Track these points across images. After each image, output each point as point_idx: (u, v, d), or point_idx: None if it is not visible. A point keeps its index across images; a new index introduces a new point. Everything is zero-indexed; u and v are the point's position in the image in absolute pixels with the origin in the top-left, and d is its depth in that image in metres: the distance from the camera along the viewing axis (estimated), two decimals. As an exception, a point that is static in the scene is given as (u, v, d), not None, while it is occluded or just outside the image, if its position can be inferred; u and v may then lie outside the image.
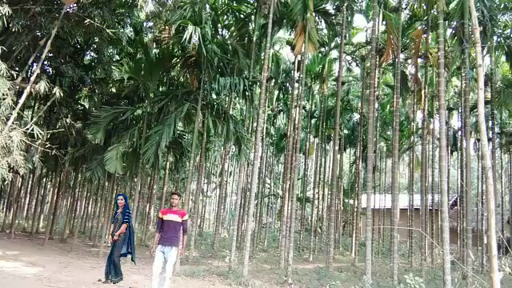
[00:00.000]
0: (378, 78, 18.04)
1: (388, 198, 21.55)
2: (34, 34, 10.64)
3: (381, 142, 23.00)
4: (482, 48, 12.53)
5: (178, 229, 6.33)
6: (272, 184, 29.04)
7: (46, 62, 12.93)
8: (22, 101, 9.26)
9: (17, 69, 10.58)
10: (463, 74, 12.97)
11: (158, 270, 6.16)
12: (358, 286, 9.14)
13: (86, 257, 12.11)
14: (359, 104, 19.74)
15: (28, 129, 8.73)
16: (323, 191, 22.75)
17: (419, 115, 18.54)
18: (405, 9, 14.39)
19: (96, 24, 9.85)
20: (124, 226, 7.67)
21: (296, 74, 17.17)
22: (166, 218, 6.31)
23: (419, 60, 14.78)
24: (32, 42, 10.53)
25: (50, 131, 10.78)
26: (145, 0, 9.27)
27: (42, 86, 8.88)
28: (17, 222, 18.97)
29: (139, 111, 13.93)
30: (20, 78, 9.56)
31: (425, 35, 13.79)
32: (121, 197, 7.89)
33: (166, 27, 12.81)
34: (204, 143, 15.98)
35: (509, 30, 14.66)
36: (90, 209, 24.50)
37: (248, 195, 16.61)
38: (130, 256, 7.99)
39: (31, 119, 11.01)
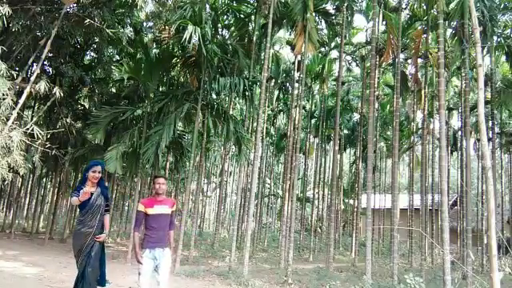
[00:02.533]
0: (378, 78, 18.04)
1: (388, 198, 21.55)
2: (34, 34, 10.64)
3: (381, 141, 23.00)
4: (482, 48, 12.53)
5: (168, 223, 4.81)
6: (272, 184, 29.03)
7: (46, 62, 12.93)
8: (21, 101, 9.27)
9: (17, 69, 10.58)
10: (463, 74, 12.97)
11: (148, 284, 4.49)
12: (357, 286, 9.14)
13: (85, 257, 12.09)
14: (359, 104, 19.74)
15: (28, 129, 8.74)
16: (323, 191, 22.74)
17: (419, 115, 18.55)
18: (405, 9, 14.39)
19: (96, 24, 9.86)
20: (107, 217, 4.89)
21: (296, 74, 17.17)
22: (152, 211, 4.63)
23: (419, 60, 14.77)
24: (32, 42, 10.53)
25: (50, 131, 10.80)
26: (145, 0, 9.27)
27: (42, 86, 8.88)
28: (17, 222, 18.98)
29: (139, 111, 13.94)
30: (20, 78, 9.57)
31: (425, 35, 13.79)
32: (99, 167, 4.79)
33: (166, 27, 12.81)
34: (204, 143, 15.97)
35: (509, 30, 14.66)
36: (89, 209, 24.47)
37: (248, 195, 16.60)
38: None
39: (31, 119, 11.02)
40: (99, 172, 4.73)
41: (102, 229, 4.75)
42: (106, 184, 5.18)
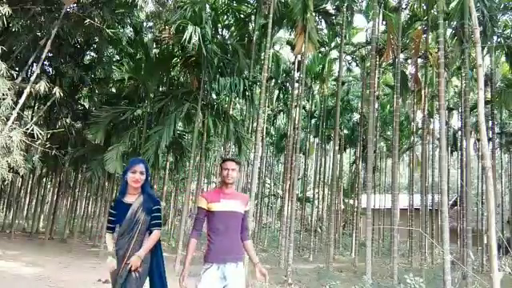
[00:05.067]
0: (378, 78, 18.05)
1: (388, 198, 21.54)
2: (34, 33, 10.64)
3: (381, 142, 23.00)
4: (482, 48, 12.54)
5: (240, 226, 3.39)
6: (272, 184, 29.02)
7: (46, 62, 12.93)
8: (21, 101, 9.26)
9: (17, 69, 10.58)
10: (463, 74, 12.98)
11: None
12: (357, 286, 9.13)
13: (86, 257, 12.11)
14: (359, 104, 19.75)
15: (28, 129, 8.73)
16: (323, 191, 22.73)
17: (419, 115, 18.55)
18: (405, 9, 14.40)
19: (96, 24, 9.85)
20: (156, 234, 3.32)
21: (296, 74, 17.16)
22: (217, 207, 3.27)
23: (419, 60, 14.78)
24: (32, 42, 10.54)
25: (50, 131, 10.79)
26: (145, 0, 9.26)
27: (42, 86, 8.87)
28: (17, 222, 18.97)
29: (139, 111, 13.93)
30: (20, 78, 9.58)
31: (425, 35, 13.80)
32: (140, 165, 3.30)
33: (166, 27, 12.81)
34: (204, 143, 15.98)
35: (509, 30, 14.67)
36: (90, 209, 24.50)
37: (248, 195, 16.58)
38: None
39: (31, 119, 11.02)
40: (141, 172, 3.26)
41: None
42: (154, 190, 3.74)
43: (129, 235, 3.21)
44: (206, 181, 28.60)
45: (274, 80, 18.82)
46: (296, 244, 19.39)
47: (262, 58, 12.67)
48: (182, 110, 11.45)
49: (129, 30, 14.35)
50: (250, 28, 13.62)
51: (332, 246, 13.39)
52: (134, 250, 3.19)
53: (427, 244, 16.76)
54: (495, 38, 13.45)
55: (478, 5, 11.27)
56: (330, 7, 14.75)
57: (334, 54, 18.34)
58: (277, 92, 20.84)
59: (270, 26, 11.29)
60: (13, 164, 8.42)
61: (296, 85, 17.15)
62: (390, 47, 13.04)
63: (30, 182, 23.30)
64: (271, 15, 11.31)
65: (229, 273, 3.21)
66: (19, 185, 21.07)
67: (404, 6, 14.10)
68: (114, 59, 15.71)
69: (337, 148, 14.85)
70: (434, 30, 13.11)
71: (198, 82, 12.46)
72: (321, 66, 18.25)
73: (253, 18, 13.39)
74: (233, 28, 14.26)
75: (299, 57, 15.35)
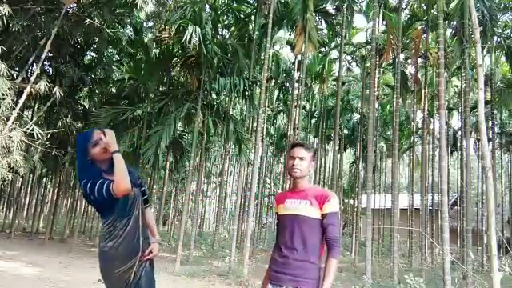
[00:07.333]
0: (378, 78, 18.04)
1: (388, 198, 21.54)
2: (34, 34, 10.65)
3: (381, 142, 22.99)
4: (482, 48, 12.54)
5: (316, 238, 2.38)
6: (272, 184, 29.02)
7: (46, 62, 12.93)
8: (22, 101, 9.27)
9: (17, 69, 10.59)
10: (463, 74, 12.99)
11: None
12: (358, 286, 9.13)
13: (86, 257, 12.11)
14: (359, 104, 19.76)
15: (28, 129, 8.74)
16: (323, 191, 22.70)
17: (419, 115, 18.55)
18: (405, 9, 14.40)
19: (96, 24, 9.86)
20: (151, 213, 2.94)
21: (296, 74, 17.17)
22: (280, 210, 2.53)
23: (419, 60, 14.78)
24: (32, 42, 10.54)
25: (50, 131, 10.80)
26: (145, 0, 9.27)
27: (42, 86, 8.89)
28: (17, 222, 18.98)
29: (139, 111, 13.94)
30: (20, 78, 9.58)
31: (425, 35, 13.80)
32: (97, 131, 2.65)
33: (166, 27, 12.83)
34: (204, 143, 15.98)
35: (509, 30, 14.66)
36: (90, 209, 24.47)
37: (248, 195, 16.60)
38: None
39: (31, 119, 11.03)
40: (101, 138, 2.58)
41: (148, 237, 2.60)
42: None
43: (134, 218, 2.47)
44: (205, 181, 28.62)
45: (273, 80, 18.82)
46: (296, 244, 19.35)
47: (262, 58, 12.68)
48: (182, 110, 11.45)
49: (129, 30, 14.36)
50: (250, 28, 13.63)
51: (332, 246, 13.36)
52: (144, 236, 2.52)
53: (427, 244, 16.75)
54: (495, 38, 13.45)
55: (478, 5, 11.27)
56: (330, 7, 14.78)
57: (334, 54, 18.36)
58: (277, 92, 20.86)
59: (269, 26, 11.30)
60: (13, 164, 8.42)
61: (296, 85, 17.15)
62: (390, 47, 13.05)
63: (30, 182, 23.32)
64: (271, 15, 11.32)
65: None
66: (19, 185, 21.09)
67: (404, 6, 14.11)
68: (114, 59, 15.73)
69: (337, 148, 14.86)
70: (434, 29, 13.11)
71: (198, 82, 12.46)
72: (321, 66, 18.27)
73: (253, 18, 13.40)
74: (233, 28, 14.28)
75: (299, 57, 15.36)
